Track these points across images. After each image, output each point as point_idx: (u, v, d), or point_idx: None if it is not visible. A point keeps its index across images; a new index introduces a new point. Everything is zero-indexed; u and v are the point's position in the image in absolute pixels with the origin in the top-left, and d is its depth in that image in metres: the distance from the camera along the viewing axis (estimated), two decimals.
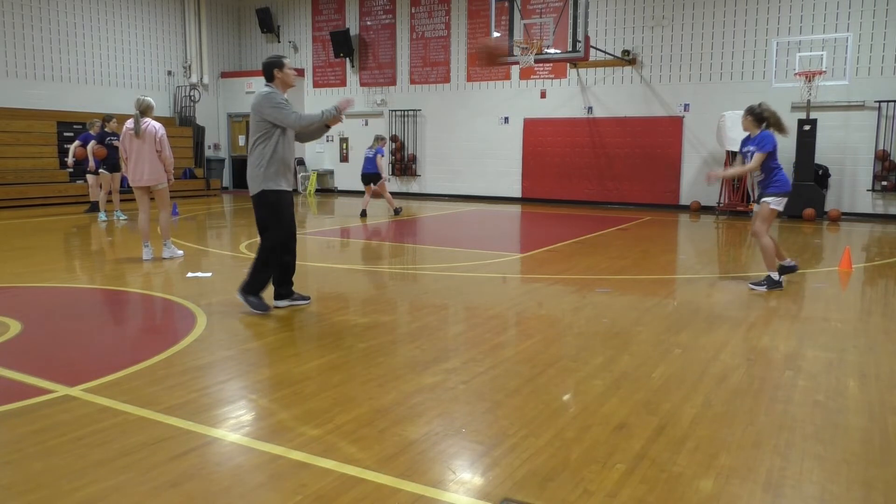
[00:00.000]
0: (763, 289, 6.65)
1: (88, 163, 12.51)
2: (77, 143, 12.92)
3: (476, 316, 5.78)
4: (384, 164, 13.40)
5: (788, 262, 6.95)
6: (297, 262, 5.87)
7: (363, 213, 13.45)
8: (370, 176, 13.27)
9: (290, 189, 5.70)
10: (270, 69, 5.59)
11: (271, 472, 2.90)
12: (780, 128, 6.67)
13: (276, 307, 5.79)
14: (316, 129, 5.69)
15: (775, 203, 6.63)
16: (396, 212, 13.83)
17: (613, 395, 3.84)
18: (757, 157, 6.56)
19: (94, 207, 13.26)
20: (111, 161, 12.06)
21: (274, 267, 5.68)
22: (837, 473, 2.94)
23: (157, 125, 8.00)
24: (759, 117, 6.67)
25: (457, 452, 3.12)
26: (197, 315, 5.55)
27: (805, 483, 2.86)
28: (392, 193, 19.06)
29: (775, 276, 6.68)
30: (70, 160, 13.13)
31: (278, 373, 4.21)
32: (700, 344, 4.89)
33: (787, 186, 6.71)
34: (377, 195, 13.87)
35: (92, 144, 12.25)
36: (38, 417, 3.45)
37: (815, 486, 2.84)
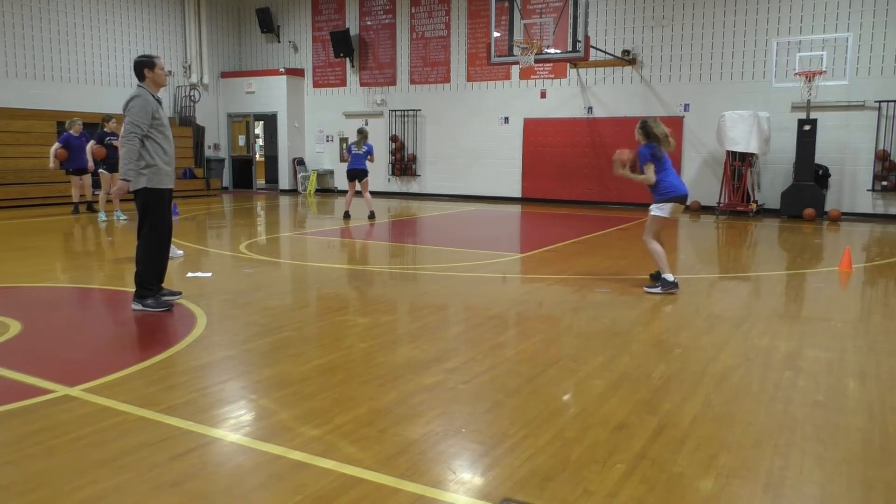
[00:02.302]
0: (658, 290, 6.52)
1: (73, 163, 12.45)
2: (57, 145, 12.68)
3: (476, 316, 5.78)
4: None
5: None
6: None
7: (347, 215, 12.80)
8: (359, 172, 12.77)
9: (172, 187, 5.75)
10: (141, 68, 5.62)
11: (271, 472, 2.90)
12: (666, 143, 6.62)
13: (142, 308, 5.68)
14: (123, 152, 5.57)
15: (657, 209, 6.67)
16: (371, 215, 12.93)
17: (613, 395, 3.83)
18: (648, 169, 6.57)
19: (77, 209, 13.24)
20: (110, 161, 12.05)
21: (159, 262, 5.75)
22: (837, 473, 2.94)
23: None
24: (648, 133, 6.62)
25: (457, 452, 3.12)
26: (197, 315, 5.55)
27: (805, 483, 2.86)
28: (392, 193, 19.15)
29: (669, 277, 6.53)
30: (52, 163, 12.61)
31: (278, 373, 4.21)
32: (700, 344, 4.89)
33: (671, 192, 6.62)
34: (358, 194, 13.25)
35: (91, 144, 12.24)
36: (38, 417, 3.45)
37: (815, 486, 2.84)
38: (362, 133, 13.02)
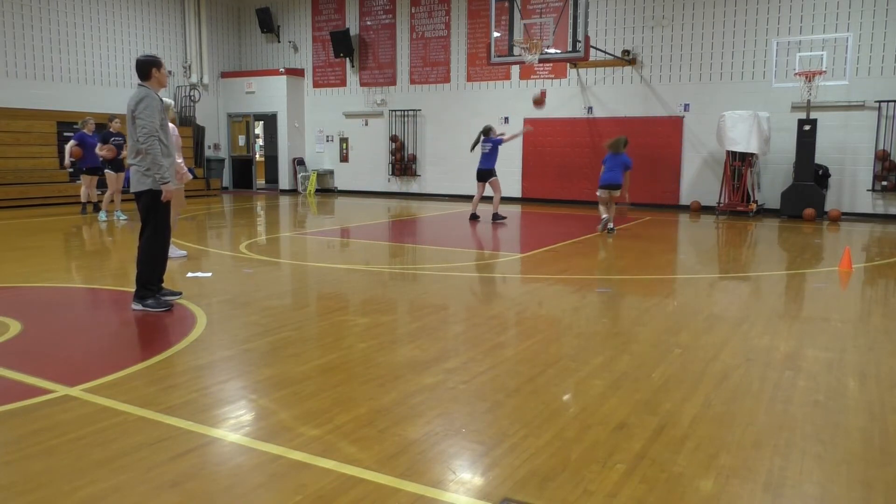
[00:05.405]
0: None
1: (87, 162, 12.47)
2: (72, 142, 12.80)
3: (476, 316, 5.78)
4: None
5: None
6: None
7: (475, 217, 12.75)
8: (485, 172, 12.67)
9: (176, 186, 5.79)
10: (148, 67, 5.57)
11: (271, 472, 2.90)
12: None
13: (142, 308, 5.68)
14: (149, 159, 5.49)
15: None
16: (497, 217, 12.65)
17: (613, 395, 3.84)
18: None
19: (86, 209, 13.21)
20: (115, 161, 12.05)
21: (160, 263, 5.77)
22: (837, 473, 2.94)
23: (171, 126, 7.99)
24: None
25: (457, 452, 3.12)
26: (197, 315, 5.55)
27: (805, 483, 2.86)
28: (392, 193, 19.15)
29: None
30: (67, 160, 12.90)
31: (278, 373, 4.21)
32: (700, 344, 4.89)
33: (601, 181, 10.68)
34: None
35: (99, 145, 12.24)
36: (38, 417, 3.45)
37: (815, 486, 2.84)
38: (488, 129, 12.77)
